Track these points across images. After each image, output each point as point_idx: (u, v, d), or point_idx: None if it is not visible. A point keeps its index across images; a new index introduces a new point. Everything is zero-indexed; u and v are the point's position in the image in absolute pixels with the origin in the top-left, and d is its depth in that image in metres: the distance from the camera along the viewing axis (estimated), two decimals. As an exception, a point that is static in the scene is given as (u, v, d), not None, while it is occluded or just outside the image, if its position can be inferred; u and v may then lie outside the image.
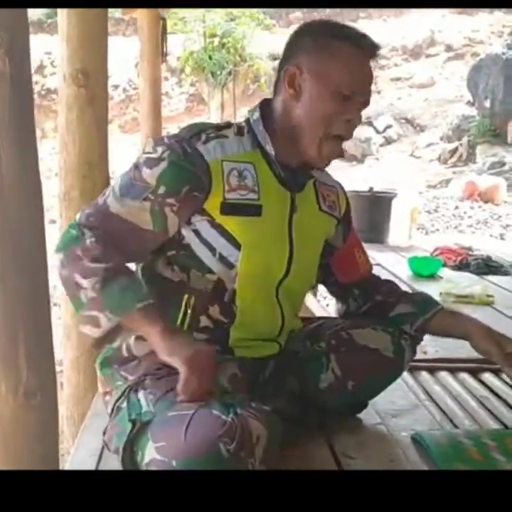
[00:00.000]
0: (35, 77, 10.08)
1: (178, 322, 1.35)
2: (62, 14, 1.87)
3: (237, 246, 1.32)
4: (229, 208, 1.32)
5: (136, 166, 1.31)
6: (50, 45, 13.23)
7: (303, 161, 1.40)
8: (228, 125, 1.39)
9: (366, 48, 1.34)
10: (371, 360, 1.51)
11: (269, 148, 1.36)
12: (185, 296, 1.35)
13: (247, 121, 1.40)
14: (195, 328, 1.36)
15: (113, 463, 1.29)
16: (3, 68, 1.35)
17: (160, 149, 1.30)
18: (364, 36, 1.35)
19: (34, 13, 14.09)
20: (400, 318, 1.54)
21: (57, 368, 1.57)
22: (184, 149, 1.30)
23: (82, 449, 1.48)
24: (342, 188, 1.58)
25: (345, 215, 1.56)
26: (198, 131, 1.34)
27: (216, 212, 1.31)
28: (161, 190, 1.28)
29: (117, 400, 1.32)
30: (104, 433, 1.34)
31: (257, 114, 1.39)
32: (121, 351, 1.38)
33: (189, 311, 1.35)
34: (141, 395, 1.28)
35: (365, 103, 1.37)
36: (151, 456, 1.16)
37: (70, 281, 1.25)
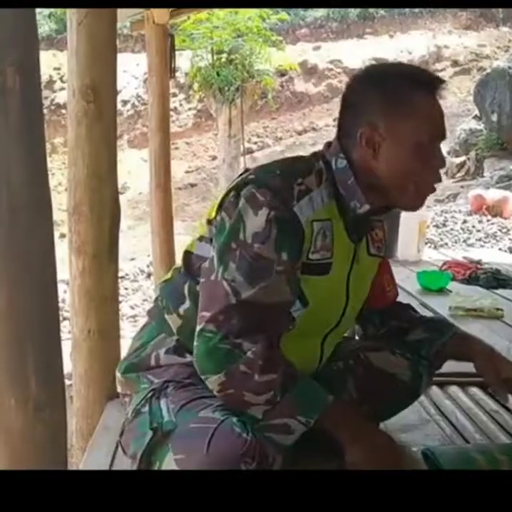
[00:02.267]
0: (44, 92, 10.17)
1: None
2: (72, 30, 1.89)
3: (305, 303, 1.29)
4: (308, 268, 1.28)
5: (244, 244, 1.21)
6: (60, 60, 13.36)
7: (383, 207, 1.37)
8: (310, 170, 1.30)
9: (435, 88, 1.30)
10: (388, 385, 1.50)
11: (358, 204, 1.31)
12: None
13: (327, 165, 1.33)
14: None
15: (122, 477, 1.29)
16: (13, 85, 1.36)
17: (262, 215, 1.21)
18: (429, 76, 1.31)
19: (44, 29, 14.25)
20: (415, 344, 1.54)
21: (67, 382, 1.57)
22: (284, 212, 1.22)
23: (91, 462, 1.48)
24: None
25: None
26: (290, 184, 1.26)
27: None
28: (285, 257, 1.21)
29: (139, 403, 1.32)
30: (120, 434, 1.34)
31: (343, 162, 1.32)
32: (150, 361, 1.38)
33: None
34: (162, 403, 1.27)
35: (444, 138, 1.33)
36: (170, 467, 1.16)
37: (238, 401, 1.18)
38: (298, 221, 1.24)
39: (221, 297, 1.19)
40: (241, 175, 1.33)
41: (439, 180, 1.33)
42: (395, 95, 1.28)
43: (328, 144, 1.37)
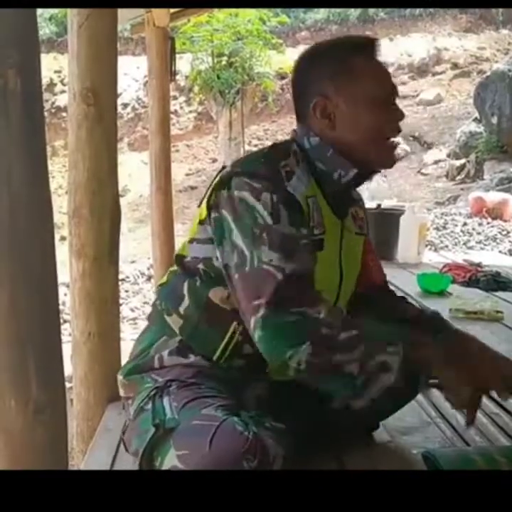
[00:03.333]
0: (45, 95, 10.18)
1: (221, 348, 1.34)
2: (72, 33, 1.89)
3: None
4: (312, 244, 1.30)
5: (266, 226, 1.22)
6: (60, 63, 13.38)
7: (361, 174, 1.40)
8: (288, 152, 1.34)
9: (375, 50, 1.37)
10: None
11: (343, 172, 1.36)
12: (234, 323, 1.32)
13: (300, 147, 1.36)
14: (237, 355, 1.34)
15: (122, 479, 1.29)
16: (14, 87, 1.37)
17: (266, 199, 1.24)
18: (365, 40, 1.38)
19: (44, 32, 14.28)
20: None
21: (67, 384, 1.57)
22: (283, 192, 1.26)
23: (92, 464, 1.48)
24: (360, 195, 1.58)
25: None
26: (276, 168, 1.28)
27: None
28: (303, 231, 1.26)
29: (142, 401, 1.33)
30: (123, 432, 1.35)
31: (316, 139, 1.36)
32: (153, 362, 1.39)
33: (235, 339, 1.33)
34: (165, 400, 1.29)
35: (396, 93, 1.39)
36: (172, 463, 1.17)
37: (329, 364, 1.16)
38: (295, 198, 1.28)
39: (267, 280, 1.18)
40: (219, 173, 1.34)
41: (399, 131, 1.38)
42: (337, 63, 1.35)
43: (294, 130, 1.42)
